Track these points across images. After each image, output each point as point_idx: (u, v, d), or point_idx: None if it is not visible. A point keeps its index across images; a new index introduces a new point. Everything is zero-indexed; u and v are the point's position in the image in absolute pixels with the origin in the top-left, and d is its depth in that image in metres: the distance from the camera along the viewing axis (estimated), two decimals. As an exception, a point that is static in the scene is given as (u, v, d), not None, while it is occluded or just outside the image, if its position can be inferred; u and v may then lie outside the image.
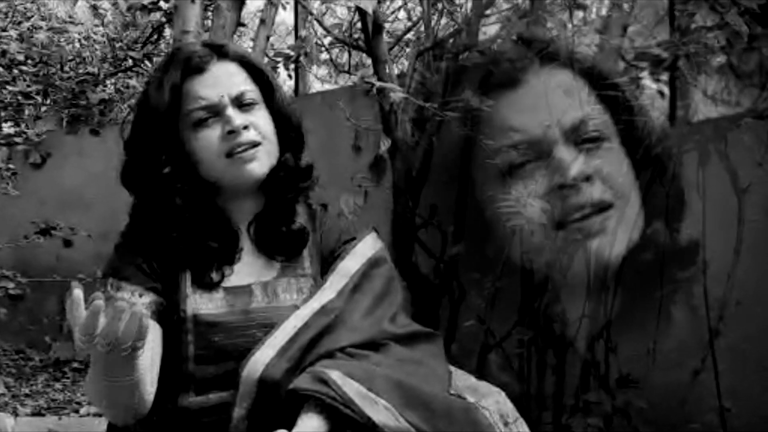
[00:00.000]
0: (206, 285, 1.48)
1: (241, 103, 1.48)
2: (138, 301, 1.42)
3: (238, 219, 1.55)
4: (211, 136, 1.45)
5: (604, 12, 3.03)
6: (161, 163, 1.47)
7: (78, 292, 1.12)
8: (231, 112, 1.46)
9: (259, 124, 1.48)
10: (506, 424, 1.49)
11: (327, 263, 1.56)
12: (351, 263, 1.54)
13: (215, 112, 1.46)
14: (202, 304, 1.46)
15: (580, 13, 2.93)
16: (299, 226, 1.56)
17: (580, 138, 2.80)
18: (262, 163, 1.48)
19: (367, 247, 1.58)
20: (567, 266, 2.88)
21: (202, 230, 1.49)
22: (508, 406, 1.53)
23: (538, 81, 2.81)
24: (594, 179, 2.81)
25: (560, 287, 2.88)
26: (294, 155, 1.55)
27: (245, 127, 1.46)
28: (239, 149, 1.45)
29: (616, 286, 2.79)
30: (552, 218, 2.76)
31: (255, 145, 1.47)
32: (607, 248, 2.81)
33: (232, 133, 1.45)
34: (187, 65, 1.47)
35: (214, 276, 1.49)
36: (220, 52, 1.50)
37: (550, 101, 2.78)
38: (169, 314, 1.46)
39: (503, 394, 1.56)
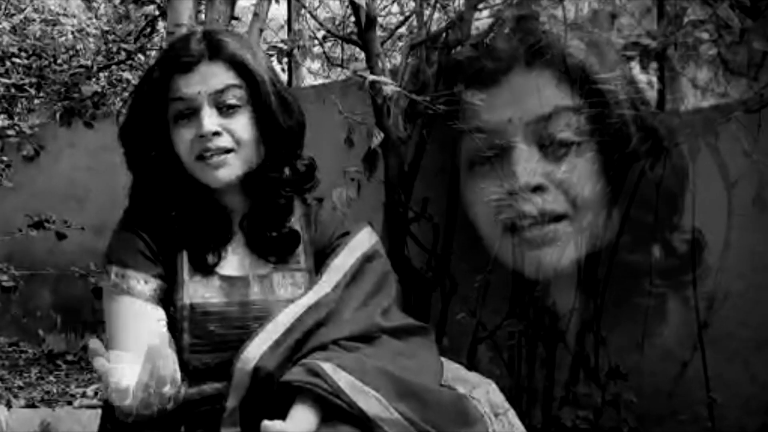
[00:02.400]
0: (203, 269, 1.49)
1: (220, 104, 1.47)
2: (144, 288, 1.44)
3: (233, 210, 1.56)
4: (186, 135, 1.47)
5: (595, 5, 3.04)
6: (149, 151, 1.49)
7: (95, 344, 1.17)
8: (205, 113, 1.46)
9: (235, 129, 1.48)
10: (496, 414, 1.51)
11: (322, 257, 1.57)
12: (346, 258, 1.55)
13: (192, 109, 1.46)
14: (198, 292, 1.47)
15: (571, 7, 2.93)
16: (289, 229, 1.56)
17: (546, 141, 2.77)
18: (231, 169, 1.48)
19: (362, 241, 1.59)
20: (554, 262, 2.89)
21: (196, 212, 1.50)
22: (499, 397, 1.55)
23: (521, 78, 2.78)
24: (547, 189, 2.77)
25: (550, 280, 2.89)
26: (280, 160, 1.54)
27: (216, 133, 1.45)
28: (207, 154, 1.46)
29: (607, 279, 2.81)
30: (504, 223, 2.74)
31: (226, 151, 1.47)
32: (557, 257, 2.80)
33: (202, 137, 1.45)
34: (176, 62, 1.48)
35: (210, 258, 1.50)
36: (214, 50, 1.49)
37: (525, 100, 2.74)
38: (168, 302, 1.47)
39: (494, 385, 1.58)
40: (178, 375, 1.32)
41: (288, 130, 1.54)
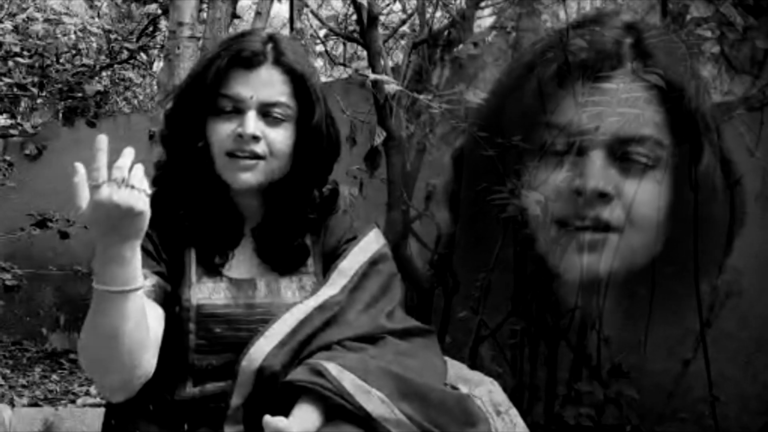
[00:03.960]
0: (210, 271, 1.49)
1: (267, 113, 1.46)
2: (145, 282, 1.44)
3: (246, 215, 1.55)
4: (224, 129, 1.45)
5: (598, 3, 3.04)
6: (188, 139, 1.47)
7: (80, 168, 1.16)
8: (251, 116, 1.45)
9: (274, 140, 1.46)
10: (499, 413, 1.51)
11: (330, 260, 1.56)
12: (353, 261, 1.55)
13: (239, 109, 1.46)
14: (205, 294, 1.47)
15: (573, 5, 2.94)
16: (300, 243, 1.56)
17: (624, 155, 2.77)
18: (256, 176, 1.46)
19: (370, 244, 1.59)
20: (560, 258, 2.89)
21: (210, 209, 1.50)
22: (501, 396, 1.55)
23: (624, 85, 2.75)
24: (612, 199, 2.78)
25: (553, 279, 2.89)
26: (307, 179, 1.53)
27: (255, 137, 1.45)
28: (240, 154, 1.45)
29: (608, 278, 2.81)
30: (552, 214, 2.75)
31: (257, 157, 1.46)
32: (597, 265, 2.80)
33: (241, 137, 1.45)
34: (238, 56, 1.46)
35: (218, 258, 1.50)
36: (278, 55, 1.48)
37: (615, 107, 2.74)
38: (172, 304, 1.47)
39: (496, 383, 1.58)
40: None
41: (324, 152, 1.54)
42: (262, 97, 1.45)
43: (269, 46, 1.48)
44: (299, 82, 1.48)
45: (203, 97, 1.46)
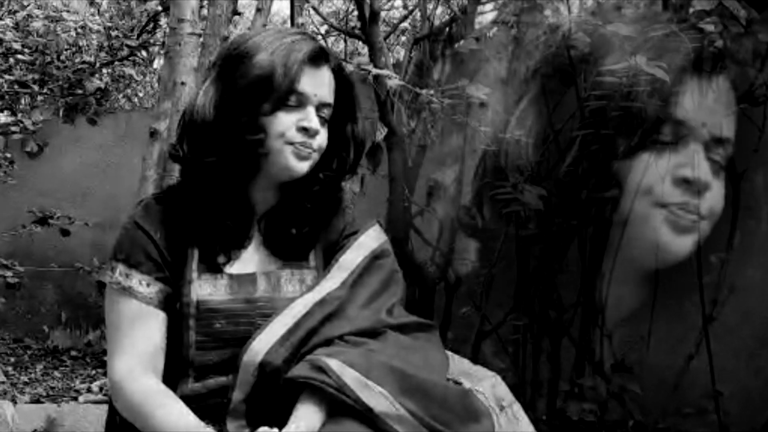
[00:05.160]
0: (211, 268, 1.49)
1: (320, 113, 1.50)
2: (146, 290, 1.44)
3: (257, 209, 1.56)
4: (287, 120, 1.47)
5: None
6: (247, 130, 1.46)
7: None
8: (312, 112, 1.48)
9: (323, 137, 1.51)
10: (502, 408, 1.50)
11: (330, 254, 1.57)
12: (354, 255, 1.55)
13: (301, 102, 1.48)
14: (205, 290, 1.47)
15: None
16: (309, 230, 1.57)
17: (719, 154, 2.82)
18: (308, 166, 1.50)
19: (371, 239, 1.59)
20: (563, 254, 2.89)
21: (224, 207, 1.50)
22: (504, 390, 1.54)
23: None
24: (711, 190, 2.81)
25: (556, 274, 2.89)
26: (329, 175, 1.56)
27: (317, 132, 1.49)
28: (300, 145, 1.48)
29: (611, 273, 2.81)
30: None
31: (313, 150, 1.49)
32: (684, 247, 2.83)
33: (305, 130, 1.47)
34: (312, 54, 1.48)
35: (221, 258, 1.50)
36: (328, 57, 1.52)
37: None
38: (173, 301, 1.47)
39: (498, 378, 1.57)
40: None
41: (355, 155, 1.59)
42: (323, 96, 1.50)
43: (320, 49, 1.52)
44: (342, 84, 1.54)
45: (277, 91, 1.46)
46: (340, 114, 1.55)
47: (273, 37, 1.52)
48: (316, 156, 1.51)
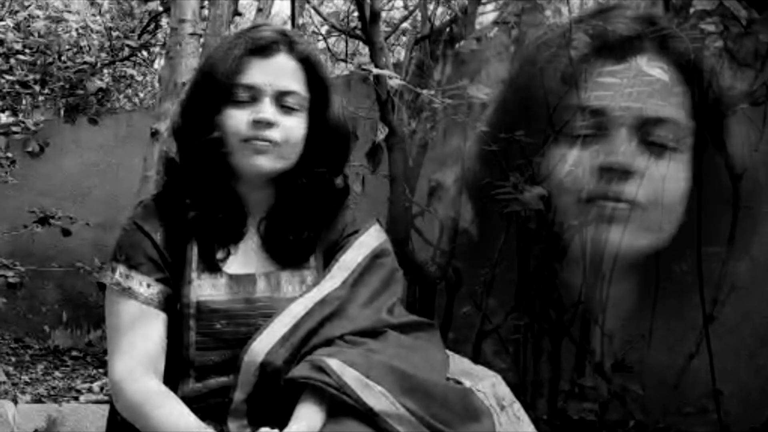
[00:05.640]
0: (211, 268, 1.49)
1: (282, 102, 1.47)
2: (146, 291, 1.44)
3: (252, 209, 1.55)
4: (240, 116, 1.46)
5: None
6: (200, 130, 1.47)
7: None
8: (267, 103, 1.46)
9: (288, 127, 1.47)
10: (502, 407, 1.51)
11: (330, 254, 1.56)
12: (354, 255, 1.54)
13: (254, 97, 1.47)
14: (205, 290, 1.47)
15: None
16: (308, 235, 1.56)
17: (648, 136, 2.81)
18: (270, 161, 1.47)
19: (371, 239, 1.58)
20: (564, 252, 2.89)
21: (216, 202, 1.50)
22: (504, 390, 1.55)
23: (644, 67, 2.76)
24: (634, 176, 2.80)
25: (557, 273, 2.89)
26: (317, 168, 1.53)
27: (271, 123, 1.45)
28: (255, 139, 1.46)
29: (612, 273, 2.81)
30: (585, 190, 2.76)
31: (271, 143, 1.46)
32: (619, 239, 2.83)
33: (258, 123, 1.45)
34: (255, 45, 1.47)
35: (220, 254, 1.50)
36: (291, 45, 1.49)
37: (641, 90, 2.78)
38: (174, 302, 1.47)
39: (499, 377, 1.58)
40: None
41: (337, 142, 1.54)
42: (278, 85, 1.47)
43: (283, 36, 1.50)
44: (313, 72, 1.50)
45: (220, 87, 1.46)
46: (316, 102, 1.51)
47: (232, 36, 1.53)
48: (281, 149, 1.47)
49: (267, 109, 1.45)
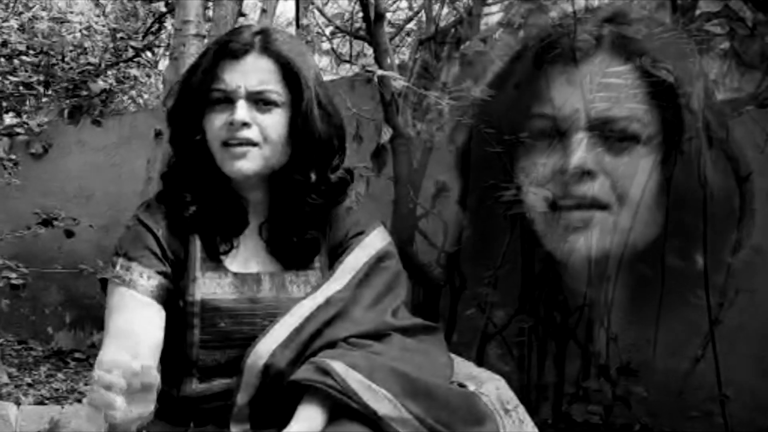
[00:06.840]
0: (215, 264, 1.49)
1: (257, 100, 1.47)
2: (146, 283, 1.44)
3: (252, 208, 1.55)
4: (217, 121, 1.47)
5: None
6: (189, 134, 1.50)
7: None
8: (240, 104, 1.46)
9: (266, 126, 1.47)
10: (506, 411, 1.50)
11: (335, 256, 1.56)
12: (358, 257, 1.54)
13: (228, 99, 1.47)
14: (210, 288, 1.47)
15: (581, 1, 2.92)
16: (311, 237, 1.55)
17: (607, 133, 2.79)
18: (252, 163, 1.46)
19: (375, 240, 1.58)
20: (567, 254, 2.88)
21: (214, 201, 1.50)
22: (508, 393, 1.54)
23: (594, 67, 2.79)
24: (596, 176, 2.79)
25: (561, 276, 2.88)
26: (307, 165, 1.51)
27: (246, 124, 1.45)
28: (233, 142, 1.46)
29: (617, 276, 2.80)
30: (548, 199, 2.75)
31: (251, 144, 1.46)
32: (591, 244, 2.81)
33: (232, 124, 1.45)
34: (224, 50, 1.48)
35: (223, 246, 1.50)
36: (265, 44, 1.49)
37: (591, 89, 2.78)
38: (176, 299, 1.46)
39: (503, 381, 1.57)
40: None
41: (321, 138, 1.52)
42: (250, 85, 1.46)
43: (258, 37, 1.49)
44: (288, 69, 1.48)
45: (197, 91, 1.48)
46: (296, 98, 1.50)
47: (211, 41, 1.56)
48: (257, 151, 1.47)
49: (239, 110, 1.45)
